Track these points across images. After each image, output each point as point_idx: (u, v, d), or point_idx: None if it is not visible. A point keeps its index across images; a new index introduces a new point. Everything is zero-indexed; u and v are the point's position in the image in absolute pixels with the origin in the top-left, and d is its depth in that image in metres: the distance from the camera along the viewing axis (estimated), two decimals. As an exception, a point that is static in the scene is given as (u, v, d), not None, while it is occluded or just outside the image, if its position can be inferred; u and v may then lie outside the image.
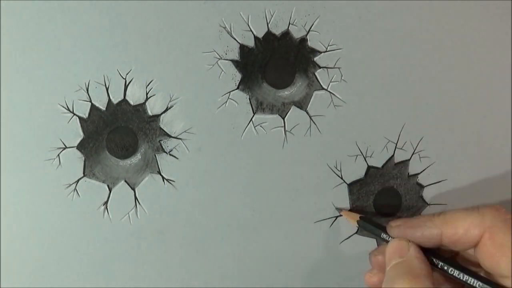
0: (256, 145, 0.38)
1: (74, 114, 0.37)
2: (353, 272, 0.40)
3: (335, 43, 0.38)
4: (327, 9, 0.38)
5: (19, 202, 0.37)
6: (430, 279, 0.31)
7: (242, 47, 0.38)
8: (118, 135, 0.37)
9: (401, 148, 0.39)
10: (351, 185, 0.39)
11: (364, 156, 0.39)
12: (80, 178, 0.37)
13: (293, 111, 0.38)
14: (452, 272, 0.32)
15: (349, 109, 0.39)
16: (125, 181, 0.38)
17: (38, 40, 0.36)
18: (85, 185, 0.37)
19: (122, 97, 0.37)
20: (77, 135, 0.37)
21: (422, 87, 0.39)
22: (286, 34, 0.38)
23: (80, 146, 0.37)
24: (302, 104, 0.38)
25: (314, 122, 0.39)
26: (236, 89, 0.38)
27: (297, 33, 0.38)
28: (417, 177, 0.40)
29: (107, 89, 0.37)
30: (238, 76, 0.38)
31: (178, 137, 0.38)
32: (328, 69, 0.38)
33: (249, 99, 0.38)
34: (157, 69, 0.37)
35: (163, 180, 0.38)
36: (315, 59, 0.38)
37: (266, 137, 0.38)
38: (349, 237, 0.39)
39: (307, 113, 0.38)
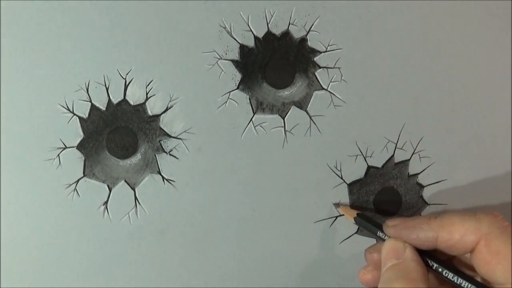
0: (256, 145, 0.38)
1: (74, 114, 0.37)
2: (353, 272, 0.40)
3: (335, 43, 0.38)
4: (327, 9, 0.38)
5: (19, 202, 0.37)
6: (426, 282, 0.31)
7: (242, 47, 0.38)
8: (118, 135, 0.37)
9: (401, 148, 0.39)
10: (351, 185, 0.39)
11: (364, 156, 0.39)
12: (80, 178, 0.37)
13: (293, 111, 0.38)
14: (447, 275, 0.32)
15: (349, 109, 0.39)
16: (125, 181, 0.38)
17: (38, 40, 0.36)
18: (85, 185, 0.37)
19: (122, 97, 0.37)
20: (77, 135, 0.37)
21: (422, 87, 0.39)
22: (286, 34, 0.38)
23: (80, 146, 0.37)
24: (302, 104, 0.38)
25: (314, 122, 0.39)
26: (236, 89, 0.38)
27: (297, 33, 0.38)
28: (417, 177, 0.40)
29: (107, 89, 0.37)
30: (238, 76, 0.38)
31: (178, 137, 0.38)
32: (328, 69, 0.38)
33: (249, 99, 0.38)
34: (157, 69, 0.37)
35: (163, 180, 0.38)
36: (315, 59, 0.38)
37: (266, 137, 0.38)
38: (349, 237, 0.39)
39: (307, 113, 0.38)
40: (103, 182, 0.38)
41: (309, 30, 0.38)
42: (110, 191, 0.38)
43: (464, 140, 0.40)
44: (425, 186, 0.40)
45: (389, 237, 0.34)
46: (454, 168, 0.40)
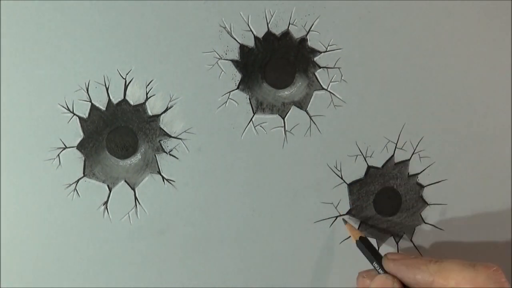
0: (256, 145, 0.38)
1: (74, 114, 0.37)
2: (353, 272, 0.39)
3: (335, 43, 0.38)
4: (327, 9, 0.38)
5: (19, 202, 0.37)
6: None
7: (242, 47, 0.38)
8: (118, 135, 0.37)
9: (401, 148, 0.39)
10: (351, 185, 0.39)
11: (364, 156, 0.39)
12: (80, 178, 0.37)
13: (293, 111, 0.38)
14: None
15: (349, 109, 0.39)
16: (125, 181, 0.38)
17: (38, 40, 0.36)
18: (85, 185, 0.37)
19: (122, 97, 0.37)
20: (77, 135, 0.37)
21: (422, 87, 0.39)
22: (286, 34, 0.38)
23: (80, 146, 0.37)
24: (302, 104, 0.38)
25: (314, 122, 0.39)
26: (236, 89, 0.38)
27: (297, 33, 0.38)
28: (417, 177, 0.40)
29: (107, 89, 0.37)
30: (238, 76, 0.38)
31: (178, 137, 0.38)
32: (328, 69, 0.38)
33: (249, 99, 0.38)
34: (157, 69, 0.37)
35: (163, 180, 0.38)
36: (315, 59, 0.38)
37: (266, 137, 0.38)
38: (349, 237, 0.39)
39: (307, 113, 0.38)
40: (103, 182, 0.38)
41: (309, 30, 0.38)
42: (110, 191, 0.38)
43: (464, 140, 0.40)
44: (425, 186, 0.40)
45: (383, 271, 0.35)
46: (454, 168, 0.40)
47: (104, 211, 0.38)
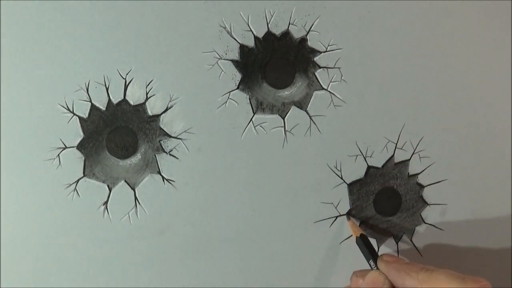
0: (256, 145, 0.38)
1: (74, 114, 0.37)
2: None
3: (335, 43, 0.38)
4: (327, 9, 0.38)
5: (19, 202, 0.37)
6: None
7: (242, 47, 0.38)
8: (118, 135, 0.37)
9: (401, 148, 0.39)
10: (351, 185, 0.39)
11: (364, 156, 0.39)
12: (80, 178, 0.37)
13: (293, 111, 0.38)
14: None
15: (349, 109, 0.39)
16: (125, 181, 0.38)
17: (38, 40, 0.36)
18: (85, 185, 0.37)
19: (122, 97, 0.37)
20: (77, 135, 0.37)
21: (422, 87, 0.39)
22: (286, 34, 0.38)
23: (80, 146, 0.37)
24: (302, 104, 0.38)
25: (314, 122, 0.39)
26: (236, 89, 0.38)
27: (297, 33, 0.38)
28: (417, 177, 0.40)
29: (107, 89, 0.37)
30: (238, 76, 0.38)
31: (178, 137, 0.38)
32: (328, 69, 0.38)
33: (249, 99, 0.38)
34: (157, 69, 0.37)
35: (163, 180, 0.38)
36: (315, 59, 0.38)
37: (266, 137, 0.38)
38: (349, 237, 0.39)
39: (307, 113, 0.38)
40: (103, 182, 0.38)
41: (309, 30, 0.38)
42: (110, 191, 0.38)
43: (464, 140, 0.40)
44: (425, 186, 0.40)
45: (377, 268, 0.35)
46: (454, 168, 0.40)
47: (104, 211, 0.38)
